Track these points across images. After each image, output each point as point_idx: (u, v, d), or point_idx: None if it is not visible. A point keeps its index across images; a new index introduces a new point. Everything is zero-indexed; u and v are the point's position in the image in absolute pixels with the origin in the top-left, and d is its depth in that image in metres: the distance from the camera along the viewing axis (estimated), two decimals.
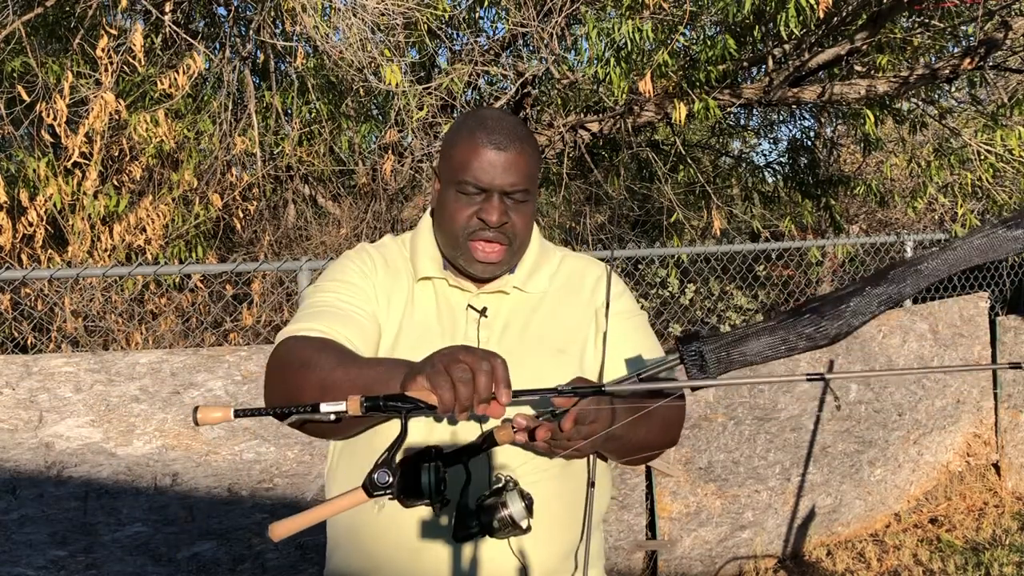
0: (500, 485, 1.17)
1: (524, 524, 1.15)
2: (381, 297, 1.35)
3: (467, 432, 1.26)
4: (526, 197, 1.32)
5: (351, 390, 1.05)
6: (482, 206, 1.30)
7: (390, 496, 1.02)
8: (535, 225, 1.47)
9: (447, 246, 1.36)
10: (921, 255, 1.06)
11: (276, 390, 1.21)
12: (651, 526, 3.42)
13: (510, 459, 1.28)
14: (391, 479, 1.01)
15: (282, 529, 1.03)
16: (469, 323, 1.34)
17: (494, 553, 1.28)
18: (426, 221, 1.44)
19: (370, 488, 1.02)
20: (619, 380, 1.11)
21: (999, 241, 1.05)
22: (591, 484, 1.29)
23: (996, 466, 4.52)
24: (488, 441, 1.14)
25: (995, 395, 4.50)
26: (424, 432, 1.27)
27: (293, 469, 2.81)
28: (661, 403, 1.13)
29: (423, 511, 1.28)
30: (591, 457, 1.31)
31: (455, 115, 4.66)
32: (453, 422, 1.27)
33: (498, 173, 1.28)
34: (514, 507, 1.15)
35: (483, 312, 1.35)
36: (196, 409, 1.02)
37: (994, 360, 4.49)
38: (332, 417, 1.01)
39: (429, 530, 1.28)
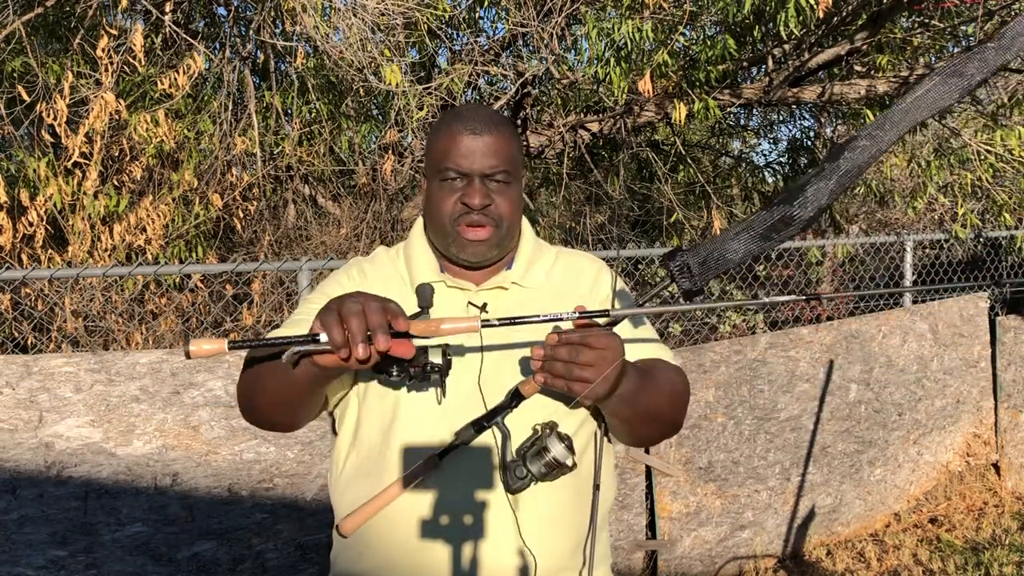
0: (538, 435, 1.24)
1: (569, 462, 1.22)
2: None
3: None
4: (508, 179, 1.34)
5: (273, 375, 1.16)
6: (464, 191, 1.33)
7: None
8: (527, 223, 1.48)
9: (438, 238, 1.38)
10: (867, 125, 1.09)
11: (239, 392, 1.32)
12: (651, 526, 3.42)
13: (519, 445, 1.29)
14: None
15: (350, 523, 1.16)
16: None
17: (495, 552, 1.28)
18: (417, 228, 1.47)
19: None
20: (620, 311, 1.15)
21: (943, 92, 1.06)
22: (596, 487, 1.30)
23: (996, 466, 4.52)
24: (515, 397, 1.20)
25: (995, 392, 4.50)
26: (454, 419, 1.29)
27: (293, 469, 2.81)
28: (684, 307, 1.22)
29: (424, 510, 1.29)
30: (596, 458, 1.32)
31: None
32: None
33: (476, 157, 1.31)
34: (556, 449, 1.22)
35: (483, 308, 1.36)
36: (188, 341, 1.05)
37: (994, 362, 4.49)
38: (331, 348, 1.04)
39: (430, 530, 1.28)
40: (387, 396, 1.33)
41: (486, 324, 1.10)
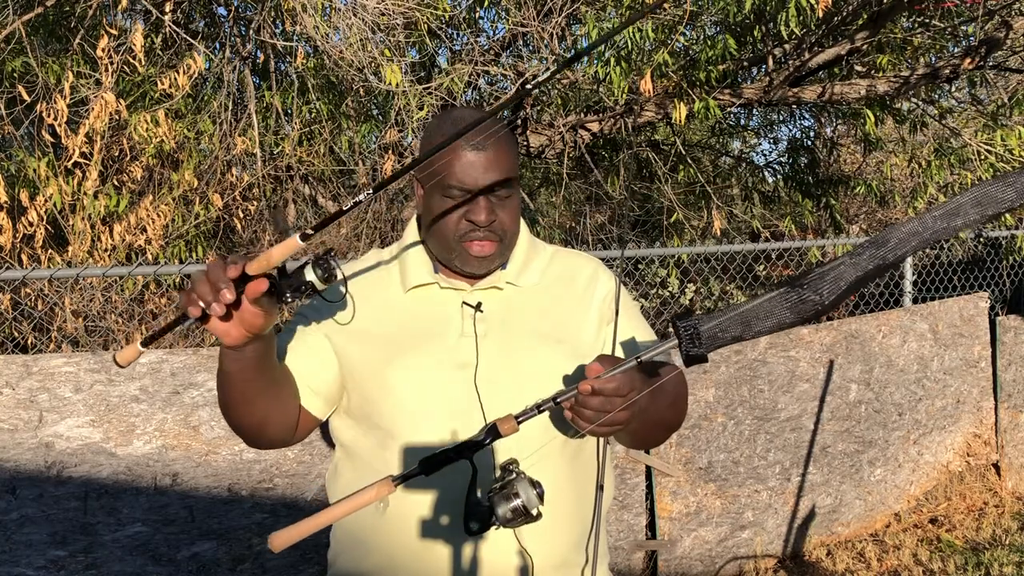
0: (510, 476, 1.18)
1: (535, 512, 1.16)
2: (354, 327, 1.36)
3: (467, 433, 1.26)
4: (510, 192, 1.35)
5: (221, 381, 1.25)
6: (469, 208, 1.32)
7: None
8: (524, 223, 1.48)
9: (440, 250, 1.37)
10: (901, 221, 1.09)
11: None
12: (651, 526, 3.42)
13: (518, 451, 1.28)
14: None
15: (282, 539, 1.07)
16: (465, 319, 1.35)
17: (496, 551, 1.28)
18: (411, 230, 1.46)
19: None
20: (621, 365, 1.14)
21: (988, 198, 1.07)
22: (599, 487, 1.29)
23: (996, 466, 4.52)
24: (491, 434, 1.15)
25: (995, 392, 4.50)
26: (451, 419, 1.29)
27: (293, 469, 2.81)
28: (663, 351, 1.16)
29: (424, 511, 1.29)
30: (600, 461, 1.32)
31: None
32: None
33: (480, 173, 1.31)
34: (525, 495, 1.15)
35: (478, 307, 1.36)
36: (115, 357, 1.14)
37: (994, 362, 4.49)
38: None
39: (430, 530, 1.28)
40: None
41: (305, 237, 1.11)
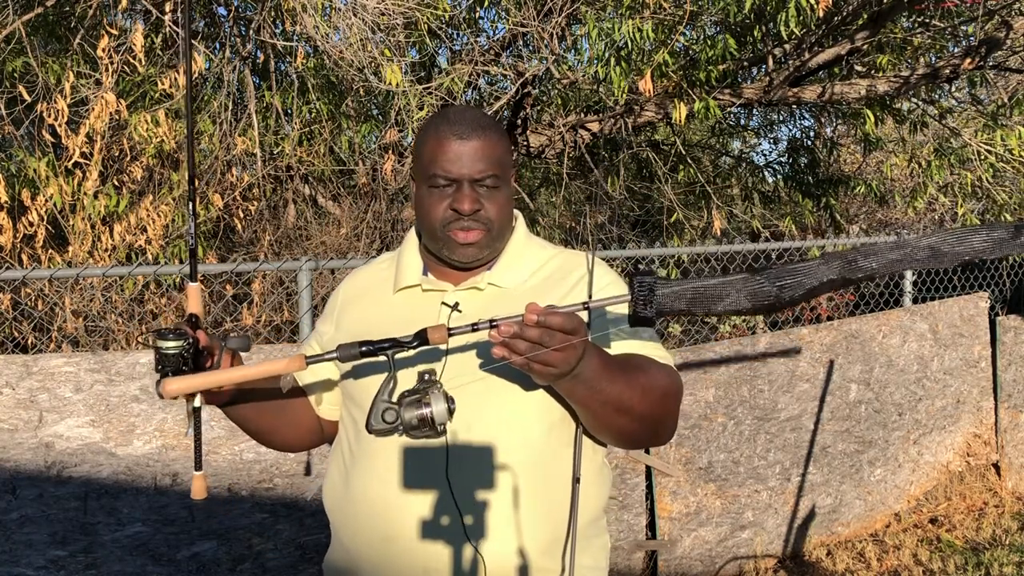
0: (426, 386, 1.19)
1: (441, 426, 1.17)
2: (344, 326, 1.46)
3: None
4: (497, 183, 1.34)
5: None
6: (454, 196, 1.33)
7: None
8: (522, 223, 1.47)
9: (430, 241, 1.39)
10: (877, 246, 1.08)
11: None
12: (651, 526, 3.42)
13: (498, 433, 1.28)
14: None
15: (176, 386, 1.13)
16: (441, 320, 1.35)
17: (443, 551, 1.27)
18: (411, 235, 1.49)
19: None
20: (567, 307, 1.12)
21: (967, 246, 1.07)
22: (576, 480, 1.28)
23: (996, 466, 4.52)
24: (419, 339, 1.16)
25: (995, 392, 4.50)
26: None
27: (293, 469, 2.81)
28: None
29: (385, 511, 1.31)
30: (576, 450, 1.31)
31: None
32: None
33: (465, 162, 1.32)
34: (436, 407, 1.16)
35: (455, 307, 1.36)
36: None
37: (994, 362, 4.49)
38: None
39: (399, 521, 1.29)
40: (357, 403, 1.37)
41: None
